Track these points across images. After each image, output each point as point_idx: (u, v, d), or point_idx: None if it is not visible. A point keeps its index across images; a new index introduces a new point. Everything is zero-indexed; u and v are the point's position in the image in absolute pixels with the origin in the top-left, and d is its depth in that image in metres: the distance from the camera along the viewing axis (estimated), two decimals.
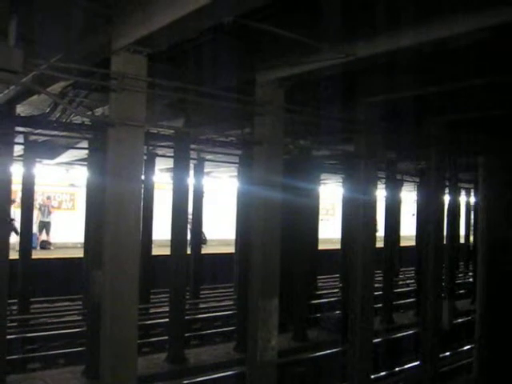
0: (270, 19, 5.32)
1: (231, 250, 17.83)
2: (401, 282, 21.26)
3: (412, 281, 21.31)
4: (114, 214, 5.33)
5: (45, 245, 20.44)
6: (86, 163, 13.94)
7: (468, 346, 12.74)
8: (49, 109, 9.48)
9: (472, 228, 23.03)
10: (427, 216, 9.84)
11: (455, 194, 13.32)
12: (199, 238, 17.70)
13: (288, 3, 5.49)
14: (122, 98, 5.29)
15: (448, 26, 4.77)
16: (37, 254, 16.08)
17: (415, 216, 18.49)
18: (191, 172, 14.56)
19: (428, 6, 4.94)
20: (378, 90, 7.86)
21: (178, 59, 7.28)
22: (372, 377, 8.74)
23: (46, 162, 16.25)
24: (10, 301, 9.96)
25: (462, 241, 24.09)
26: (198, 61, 7.28)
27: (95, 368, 7.25)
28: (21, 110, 10.15)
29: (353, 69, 6.18)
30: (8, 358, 9.12)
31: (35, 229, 18.69)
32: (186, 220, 11.57)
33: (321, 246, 17.90)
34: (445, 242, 11.18)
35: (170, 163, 13.95)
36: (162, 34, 4.82)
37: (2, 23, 4.75)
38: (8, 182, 8.80)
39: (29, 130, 11.06)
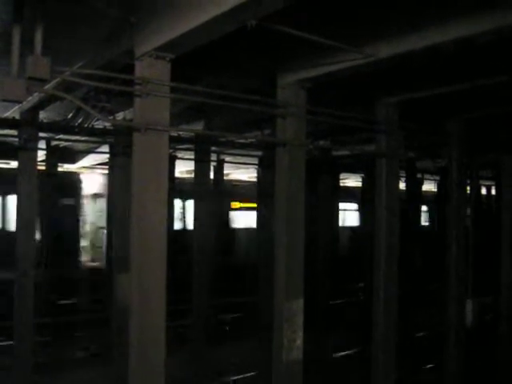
0: (291, 21, 5.33)
1: None
2: None
3: None
4: (139, 217, 5.37)
5: None
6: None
7: None
8: (71, 114, 9.59)
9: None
10: (449, 214, 9.77)
11: (477, 192, 13.22)
12: None
13: (309, 5, 5.49)
14: (147, 102, 5.35)
15: (471, 25, 4.76)
16: None
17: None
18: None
19: (450, 4, 4.91)
20: (398, 89, 7.85)
21: (199, 62, 7.32)
22: None
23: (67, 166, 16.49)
24: None
25: None
26: (218, 63, 7.31)
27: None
28: (42, 116, 10.30)
29: (374, 69, 6.16)
30: None
31: None
32: None
33: None
34: None
35: (189, 165, 14.05)
36: (186, 38, 4.85)
37: (29, 32, 4.82)
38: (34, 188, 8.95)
39: (51, 135, 11.22)
